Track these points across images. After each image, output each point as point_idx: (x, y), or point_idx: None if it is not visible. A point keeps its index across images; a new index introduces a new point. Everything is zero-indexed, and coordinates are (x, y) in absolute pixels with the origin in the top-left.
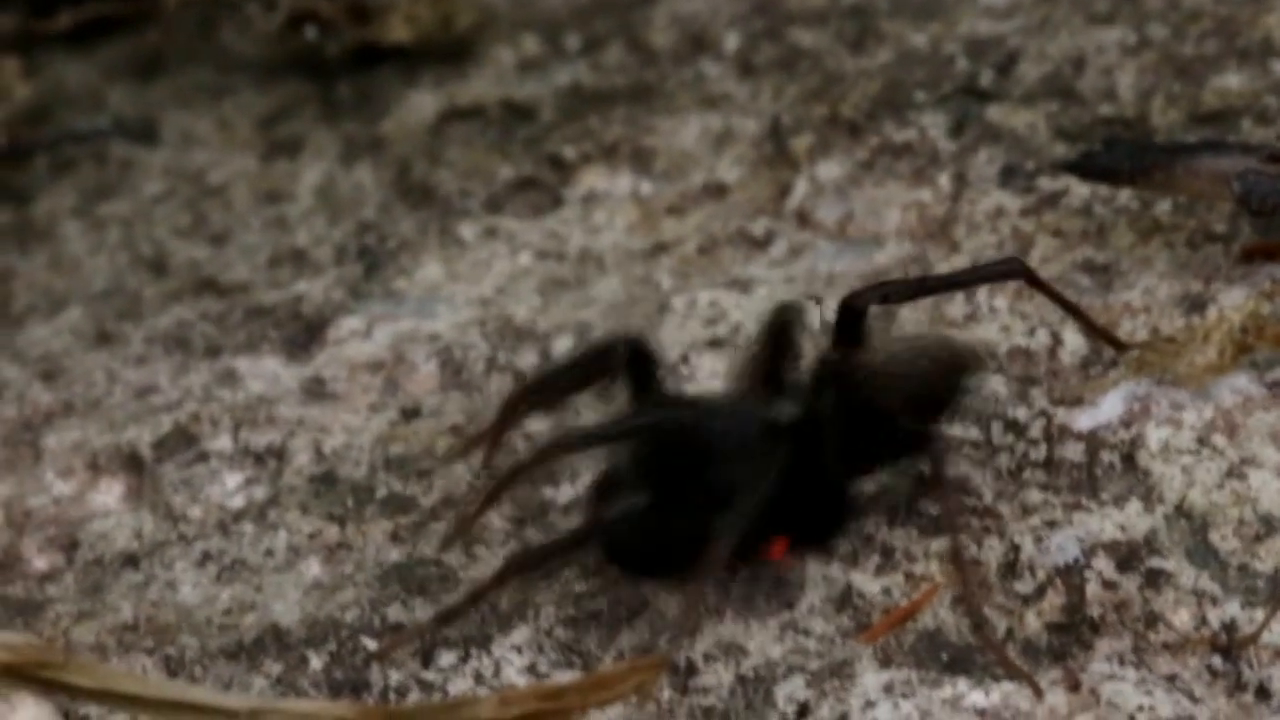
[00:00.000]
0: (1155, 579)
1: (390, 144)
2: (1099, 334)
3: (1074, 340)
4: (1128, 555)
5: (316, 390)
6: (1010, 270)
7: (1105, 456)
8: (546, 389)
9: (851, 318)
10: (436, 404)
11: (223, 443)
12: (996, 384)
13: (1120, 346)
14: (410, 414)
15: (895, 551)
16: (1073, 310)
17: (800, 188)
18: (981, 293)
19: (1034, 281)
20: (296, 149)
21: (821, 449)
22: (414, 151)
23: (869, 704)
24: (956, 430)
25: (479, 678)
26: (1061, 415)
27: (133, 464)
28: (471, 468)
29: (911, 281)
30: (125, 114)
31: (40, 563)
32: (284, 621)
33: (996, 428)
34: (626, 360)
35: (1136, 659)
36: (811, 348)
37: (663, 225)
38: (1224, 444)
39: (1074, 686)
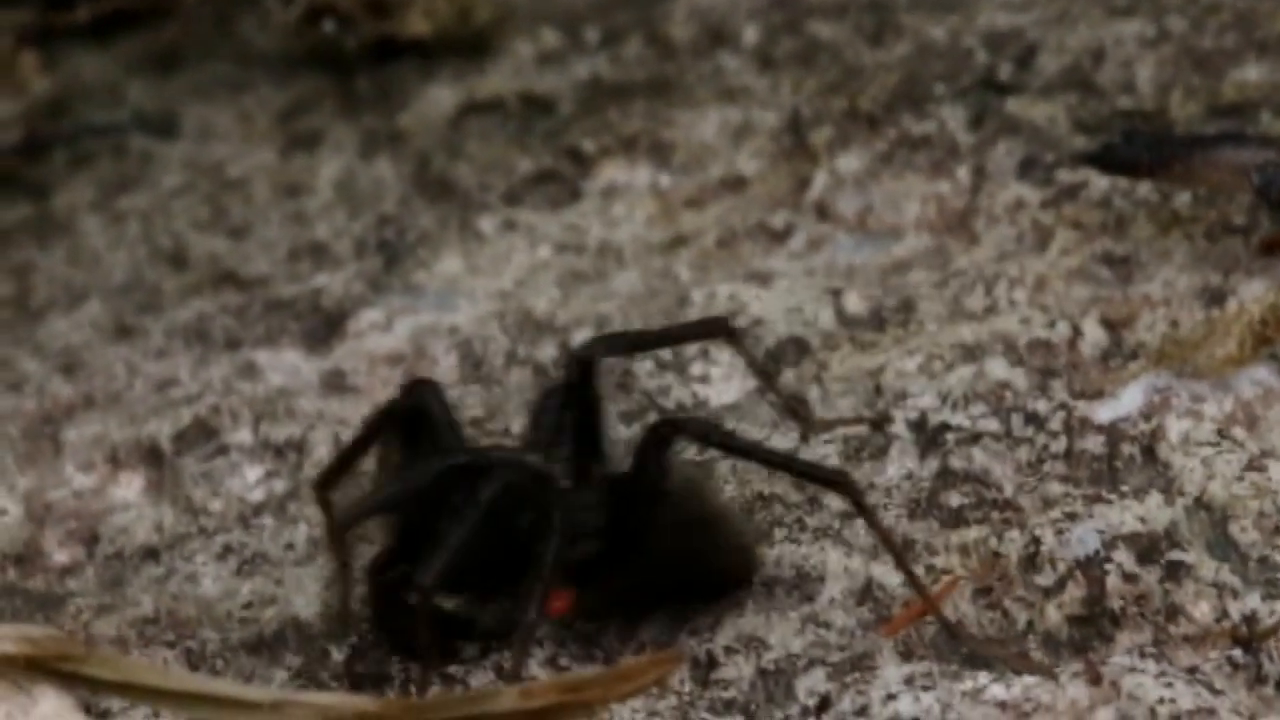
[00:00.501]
0: (1176, 571)
1: (409, 137)
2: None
3: (1094, 333)
4: (1148, 548)
5: (337, 383)
6: (715, 329)
7: (1125, 449)
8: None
9: (583, 370)
10: (456, 397)
11: (243, 436)
12: (1016, 376)
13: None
14: None
15: (916, 544)
16: (766, 376)
17: (819, 180)
18: (1000, 284)
19: (735, 340)
20: (315, 143)
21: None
22: (433, 145)
23: (890, 696)
24: (978, 423)
25: (500, 671)
26: (1082, 408)
27: (153, 457)
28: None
29: (630, 335)
30: (144, 108)
31: (61, 556)
32: (305, 615)
33: (1016, 420)
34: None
35: (1157, 651)
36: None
37: (682, 218)
38: (1244, 436)
39: (1095, 679)
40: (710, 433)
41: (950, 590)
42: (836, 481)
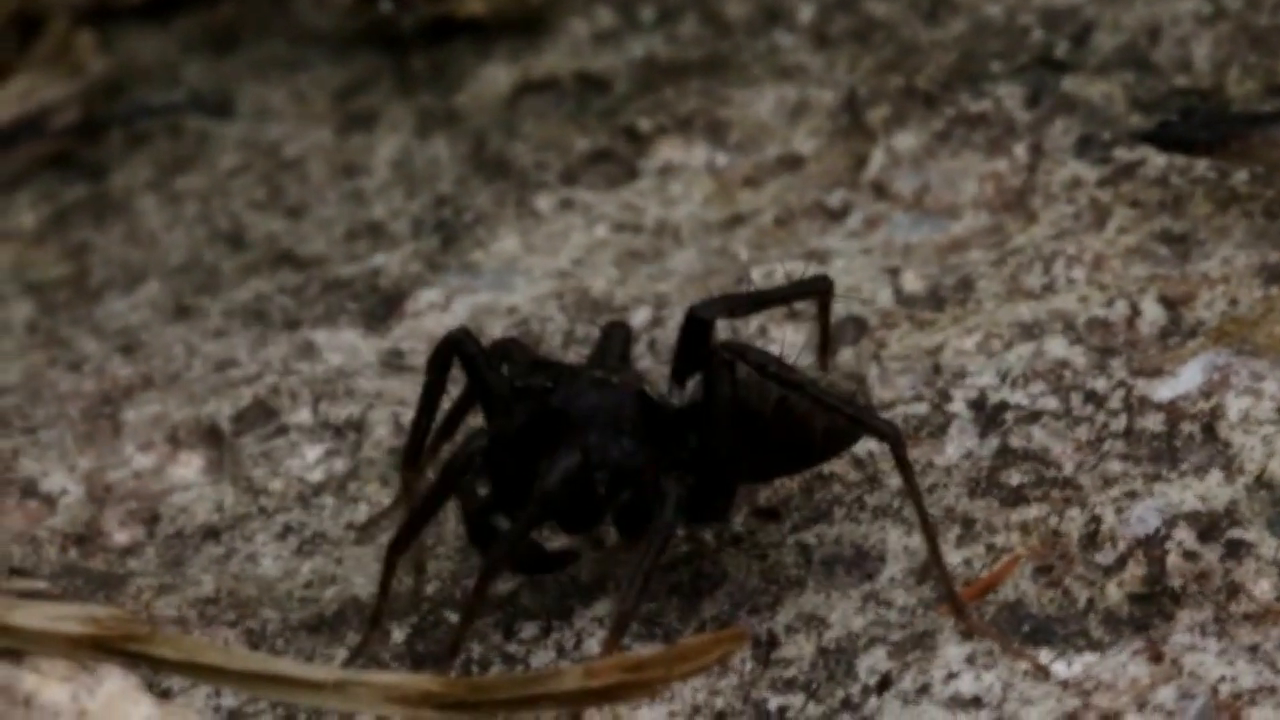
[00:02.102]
0: (1236, 549)
1: (466, 117)
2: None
3: (1153, 311)
4: (1208, 526)
5: (395, 362)
6: (820, 287)
7: (1185, 427)
8: (423, 441)
9: (701, 329)
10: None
11: (302, 415)
12: (1075, 355)
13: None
14: None
15: (976, 523)
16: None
17: (876, 159)
18: (1058, 262)
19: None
20: (372, 122)
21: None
22: (489, 124)
23: (951, 675)
24: (1037, 401)
25: (561, 650)
26: (1141, 386)
27: (212, 437)
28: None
29: (745, 295)
30: (201, 88)
31: (121, 536)
32: (365, 594)
33: (1076, 398)
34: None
35: (1218, 629)
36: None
37: (739, 197)
38: None
39: (1156, 657)
40: (768, 363)
41: (1011, 569)
42: (884, 431)
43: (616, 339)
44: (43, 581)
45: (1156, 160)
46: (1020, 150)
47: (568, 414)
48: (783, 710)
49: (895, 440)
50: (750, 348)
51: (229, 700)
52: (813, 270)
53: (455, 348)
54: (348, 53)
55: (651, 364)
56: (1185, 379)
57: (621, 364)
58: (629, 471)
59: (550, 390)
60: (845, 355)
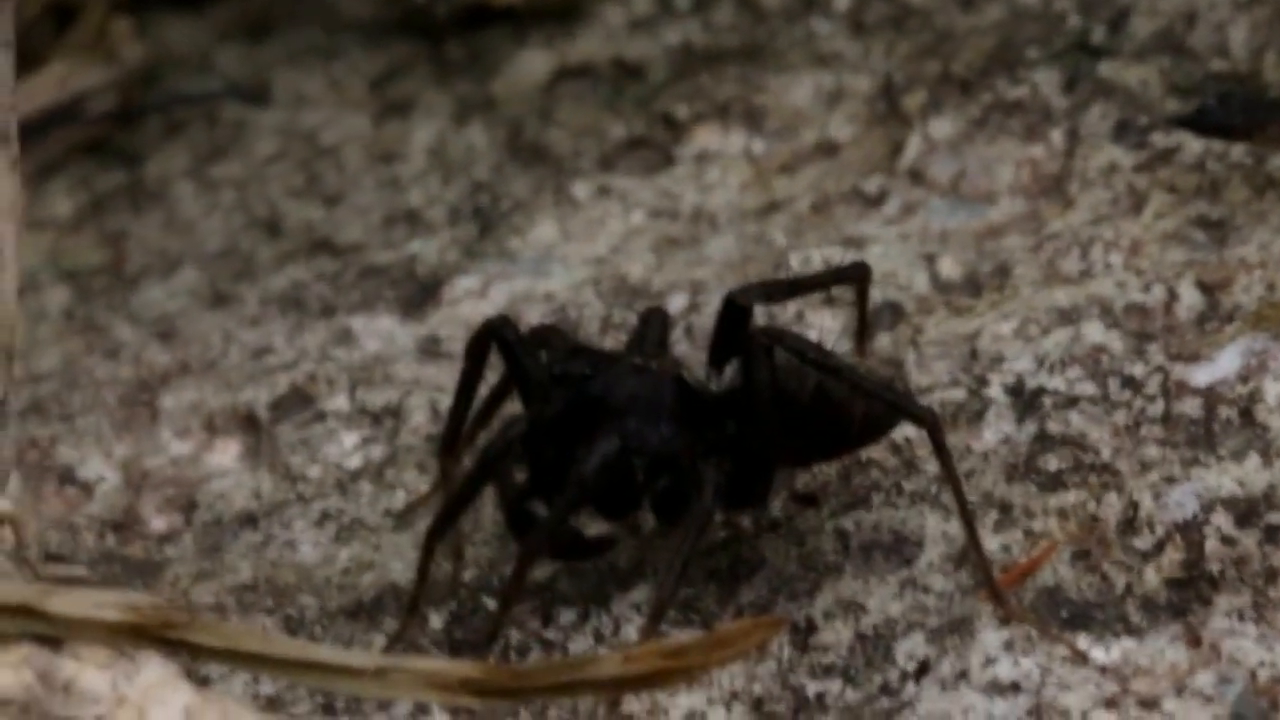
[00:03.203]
0: (1274, 534)
1: (502, 104)
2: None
3: (1190, 296)
4: (1246, 511)
5: (432, 349)
6: (857, 274)
7: (1223, 412)
8: (460, 428)
9: (739, 315)
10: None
11: (339, 402)
12: (1112, 340)
13: None
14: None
15: (1014, 508)
16: (864, 329)
17: (913, 145)
18: (1095, 248)
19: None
20: (408, 109)
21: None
22: (526, 111)
23: (989, 661)
24: (1074, 386)
25: (599, 636)
26: (1178, 371)
27: (249, 424)
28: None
29: (782, 282)
30: (236, 75)
31: (158, 523)
32: (403, 581)
33: (1113, 384)
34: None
35: (1256, 614)
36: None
37: (775, 183)
38: None
39: (1194, 642)
40: (806, 348)
41: (1049, 554)
42: (921, 416)
43: (655, 325)
44: (81, 568)
45: (1193, 145)
46: (1057, 136)
47: (606, 400)
48: (821, 696)
49: (933, 425)
50: (788, 333)
51: (267, 687)
52: (850, 257)
53: (493, 334)
54: (384, 40)
55: (688, 350)
56: (1223, 364)
57: (660, 350)
58: (667, 457)
59: (588, 377)
60: (882, 341)
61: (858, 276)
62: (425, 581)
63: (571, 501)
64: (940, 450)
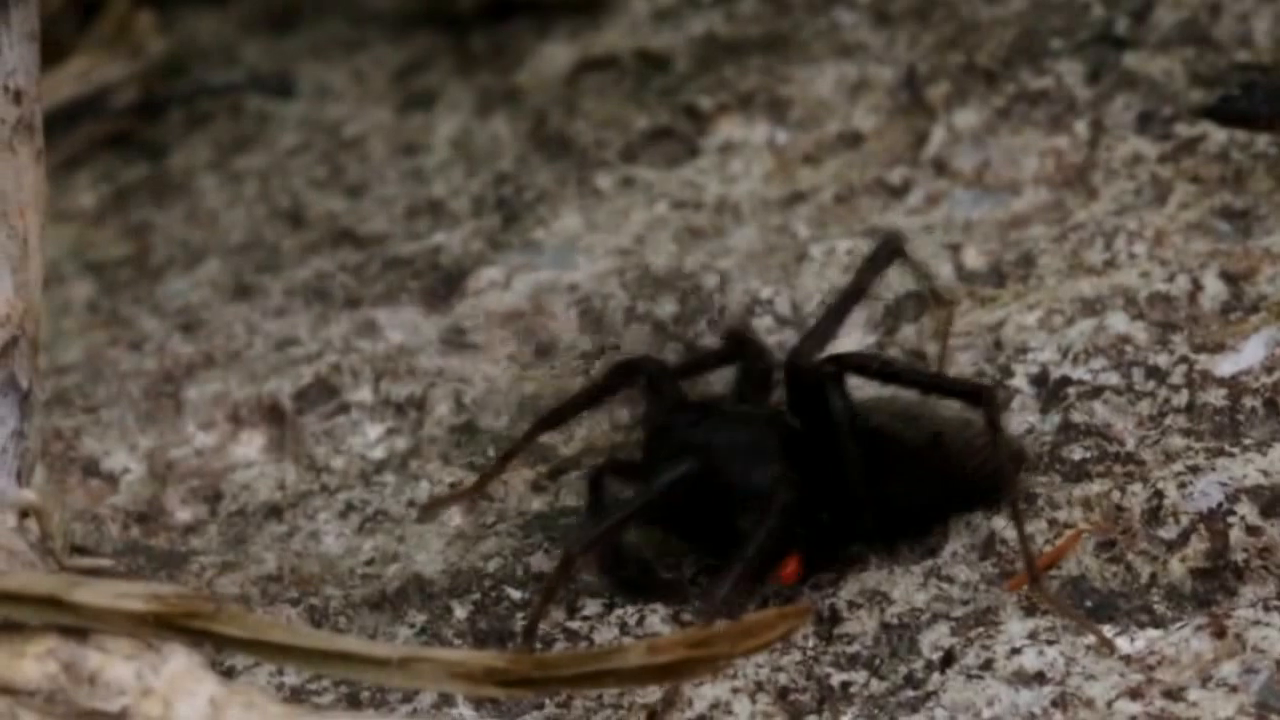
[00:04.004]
0: None
1: (525, 95)
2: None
3: (1214, 286)
4: (1271, 500)
5: (456, 341)
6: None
7: (1247, 401)
8: (562, 419)
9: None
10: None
11: (363, 394)
12: (1137, 330)
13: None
14: (551, 364)
15: (1039, 498)
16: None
17: (937, 136)
18: (1120, 238)
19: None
20: (432, 101)
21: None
22: (549, 102)
23: (1014, 651)
24: (1099, 377)
25: (623, 626)
26: (1203, 361)
27: (274, 415)
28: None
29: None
30: (260, 67)
31: (183, 514)
32: (427, 572)
33: (1138, 374)
34: (645, 381)
35: None
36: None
37: (799, 174)
38: None
39: (1219, 632)
40: (870, 362)
41: (1074, 544)
42: (977, 393)
43: (756, 370)
44: (106, 559)
45: (1217, 136)
46: (1081, 126)
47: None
48: (846, 686)
49: (992, 404)
50: (853, 354)
51: (292, 678)
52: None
53: (639, 371)
54: (407, 32)
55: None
56: (1247, 354)
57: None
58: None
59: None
60: (907, 332)
61: (893, 249)
62: (550, 603)
63: (633, 510)
64: (995, 430)
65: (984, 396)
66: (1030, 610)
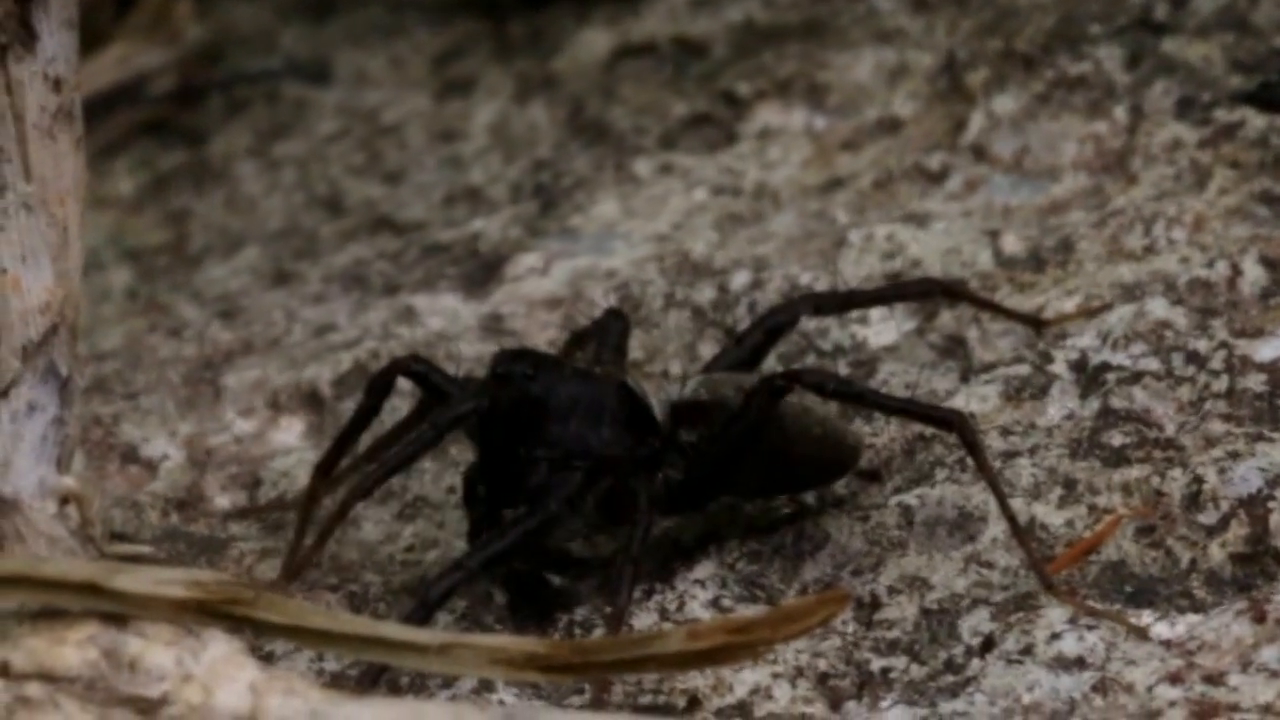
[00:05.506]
0: None
1: (563, 82)
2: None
3: (1254, 271)
4: None
5: (495, 327)
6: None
7: None
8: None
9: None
10: None
11: (402, 380)
12: (1176, 315)
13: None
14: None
15: (1078, 484)
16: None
17: (976, 121)
18: (1159, 224)
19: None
20: (470, 88)
21: None
22: (587, 89)
23: (1054, 636)
24: (1138, 362)
25: (664, 612)
26: (1242, 346)
27: (313, 402)
28: None
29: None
30: (298, 54)
31: (222, 500)
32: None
33: (1177, 359)
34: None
35: None
36: None
37: (837, 160)
38: None
39: (1259, 617)
40: (826, 381)
41: (1113, 529)
42: (950, 421)
43: (614, 330)
44: (145, 546)
45: (1256, 121)
46: (1120, 112)
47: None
48: (886, 671)
49: (965, 430)
50: (807, 370)
51: (331, 664)
52: (912, 234)
53: (400, 371)
54: (445, 18)
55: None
56: None
57: (617, 356)
58: (607, 463)
59: (530, 377)
60: (944, 319)
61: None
62: (307, 522)
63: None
64: (975, 452)
65: (955, 423)
66: (1071, 595)
